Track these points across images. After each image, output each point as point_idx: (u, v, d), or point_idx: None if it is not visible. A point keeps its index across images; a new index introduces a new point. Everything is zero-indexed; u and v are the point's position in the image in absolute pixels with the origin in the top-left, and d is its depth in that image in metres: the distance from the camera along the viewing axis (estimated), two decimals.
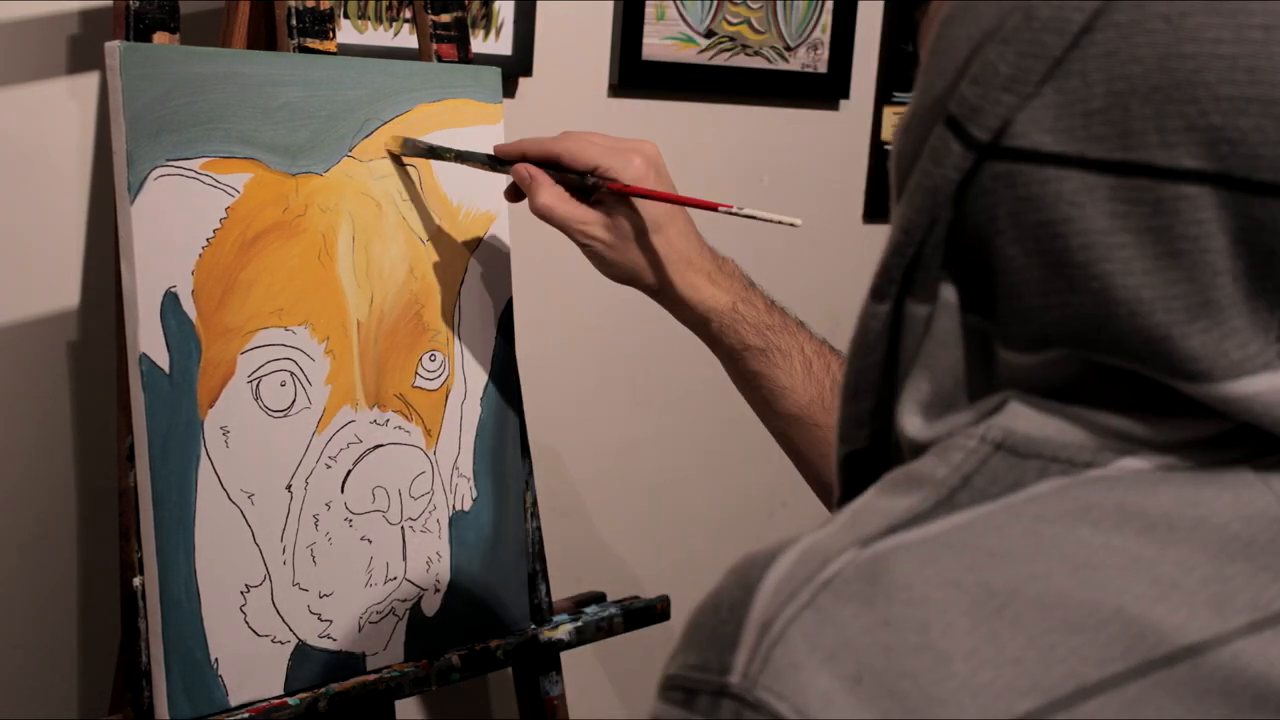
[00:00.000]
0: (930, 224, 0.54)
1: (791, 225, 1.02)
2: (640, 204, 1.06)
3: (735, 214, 1.03)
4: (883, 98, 1.83)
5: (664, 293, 1.08)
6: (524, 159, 1.08)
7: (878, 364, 0.57)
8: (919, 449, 0.55)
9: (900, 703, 0.47)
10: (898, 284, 0.56)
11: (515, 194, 1.12)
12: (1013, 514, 0.51)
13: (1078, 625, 0.48)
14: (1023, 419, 0.53)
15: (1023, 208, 0.52)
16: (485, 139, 1.20)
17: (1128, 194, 0.50)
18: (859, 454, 0.59)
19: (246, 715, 1.04)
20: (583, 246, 1.08)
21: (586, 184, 1.06)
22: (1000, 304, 0.54)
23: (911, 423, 0.56)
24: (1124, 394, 0.53)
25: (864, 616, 0.48)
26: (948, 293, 0.55)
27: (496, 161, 1.11)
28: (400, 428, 1.15)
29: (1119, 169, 0.50)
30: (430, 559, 1.17)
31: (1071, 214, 0.51)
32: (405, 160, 1.16)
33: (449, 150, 1.14)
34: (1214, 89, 0.49)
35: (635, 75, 1.60)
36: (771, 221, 1.02)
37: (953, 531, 0.51)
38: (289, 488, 1.09)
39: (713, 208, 1.05)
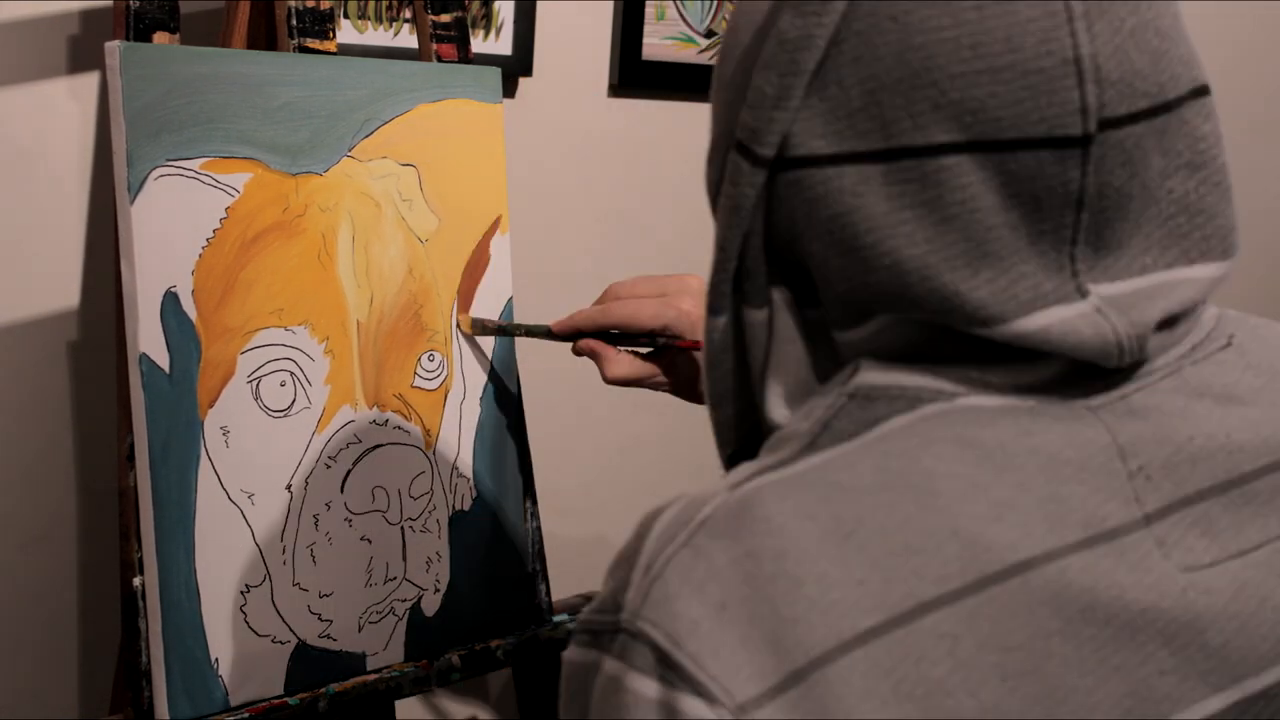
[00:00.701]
0: (743, 238, 0.60)
1: None
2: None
3: None
4: None
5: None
6: (580, 333, 1.11)
7: (729, 372, 0.63)
8: None
9: (758, 626, 0.52)
10: (728, 296, 0.62)
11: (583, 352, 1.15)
12: (865, 451, 0.57)
13: (917, 547, 0.54)
14: (873, 373, 0.59)
15: (813, 207, 0.58)
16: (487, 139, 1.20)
17: (898, 176, 0.56)
18: (739, 454, 0.65)
19: (246, 715, 1.04)
20: (666, 392, 1.12)
21: (656, 345, 1.10)
22: (821, 293, 0.60)
23: (779, 413, 0.61)
24: (960, 348, 0.58)
25: (730, 550, 0.54)
26: (779, 295, 0.62)
27: (559, 338, 1.14)
28: (400, 428, 1.15)
29: (885, 156, 0.56)
30: (430, 559, 1.17)
31: (854, 203, 0.57)
32: (403, 163, 1.16)
33: (518, 326, 1.18)
34: (946, 69, 0.55)
35: (635, 75, 1.60)
36: None
37: (810, 470, 0.56)
38: (289, 488, 1.09)
39: None
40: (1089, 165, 0.55)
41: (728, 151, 0.61)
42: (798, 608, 0.52)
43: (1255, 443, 0.59)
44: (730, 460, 0.66)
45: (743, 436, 0.65)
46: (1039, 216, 0.56)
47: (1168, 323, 0.60)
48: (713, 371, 0.64)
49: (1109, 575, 0.55)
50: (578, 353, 1.12)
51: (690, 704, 0.52)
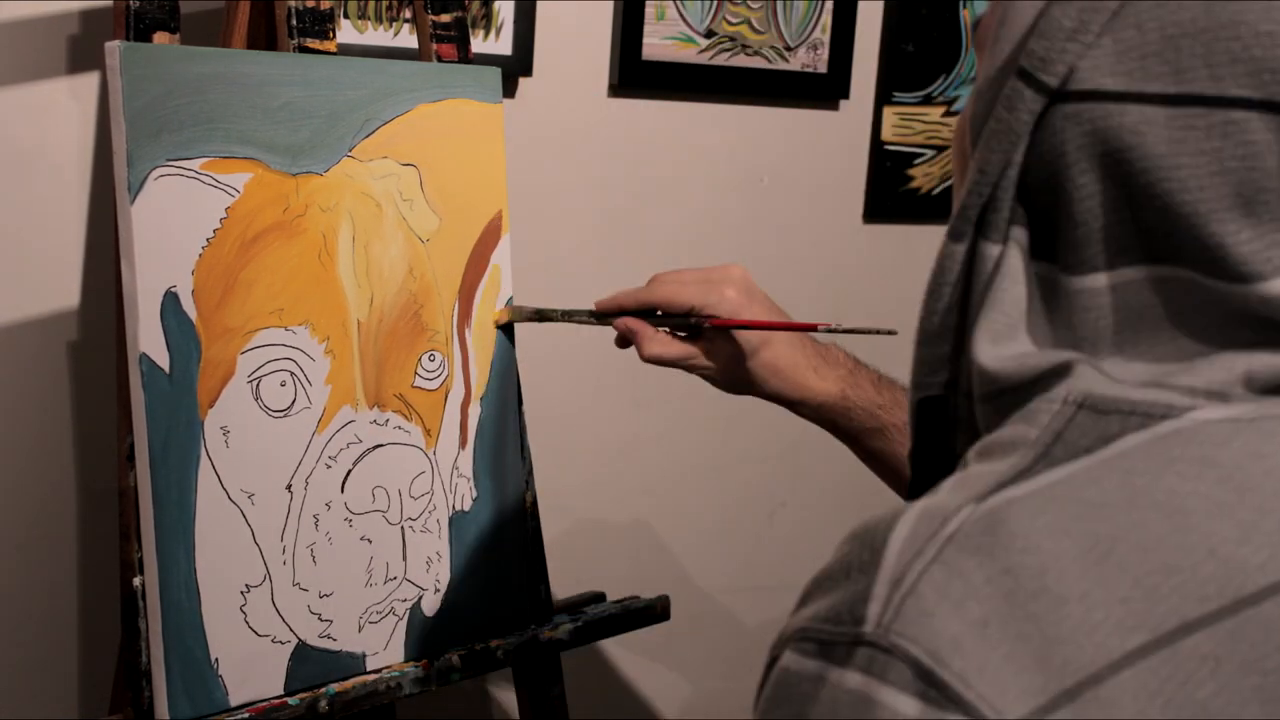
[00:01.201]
0: (1004, 165, 0.61)
1: (890, 334, 1.10)
2: (746, 332, 1.13)
3: (834, 330, 1.12)
4: (883, 98, 1.83)
5: (777, 397, 1.16)
6: (623, 311, 1.16)
7: (954, 306, 0.63)
8: (988, 378, 0.60)
9: (1024, 643, 0.51)
10: (973, 223, 0.62)
11: (624, 342, 1.18)
12: (1106, 468, 0.55)
13: (1175, 567, 0.52)
14: (1096, 382, 0.58)
15: (1090, 140, 0.58)
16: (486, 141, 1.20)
17: (1183, 121, 0.57)
18: (931, 403, 0.65)
19: (246, 715, 1.04)
20: (699, 375, 1.15)
21: (689, 324, 1.13)
22: (1071, 233, 0.60)
23: (983, 350, 0.61)
24: (1196, 321, 0.58)
25: (986, 567, 0.52)
26: (1018, 234, 0.62)
27: (599, 316, 1.18)
28: (400, 428, 1.15)
29: (1173, 100, 0.57)
30: (430, 559, 1.17)
31: (1134, 141, 0.57)
32: (404, 162, 1.16)
33: (556, 311, 1.20)
34: (1254, 26, 0.55)
35: (635, 75, 1.60)
36: (869, 332, 1.11)
37: (1056, 485, 0.55)
38: (289, 488, 1.09)
39: (811, 328, 1.12)
40: None
41: (1005, 81, 0.61)
42: (1064, 627, 0.51)
43: None
44: (919, 407, 0.65)
45: (944, 384, 0.64)
46: None
47: None
48: (936, 302, 0.63)
49: None
50: (619, 329, 1.15)
51: None
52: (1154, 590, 0.52)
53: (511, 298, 1.24)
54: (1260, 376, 0.57)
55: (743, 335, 1.13)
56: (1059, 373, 0.59)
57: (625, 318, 1.15)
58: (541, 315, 1.21)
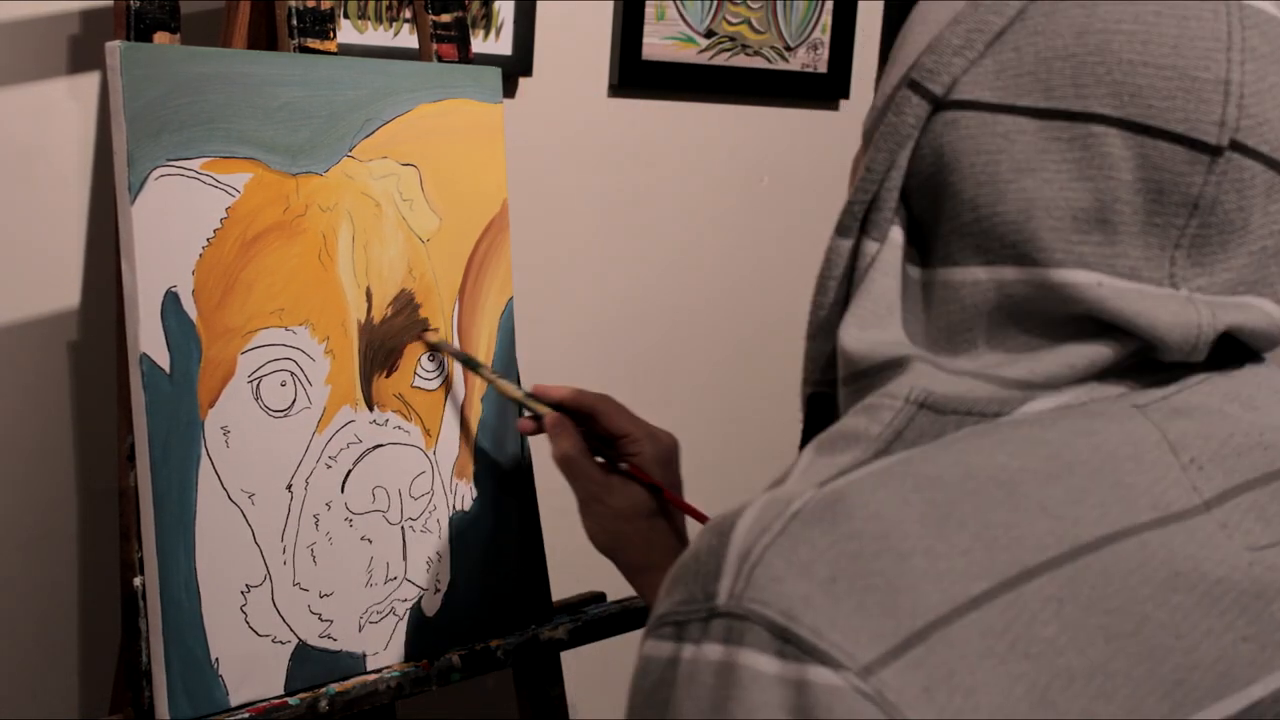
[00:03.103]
0: (889, 166, 0.66)
1: None
2: (652, 493, 1.06)
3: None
4: None
5: (632, 576, 1.07)
6: (560, 406, 1.09)
7: (836, 303, 0.67)
8: (847, 360, 0.64)
9: (872, 594, 0.54)
10: (859, 220, 0.67)
11: (532, 428, 1.12)
12: (943, 451, 0.60)
13: (1012, 523, 0.57)
14: (936, 380, 0.62)
15: (967, 146, 0.65)
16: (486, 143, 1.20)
17: (1049, 132, 0.63)
18: (819, 398, 0.69)
19: (246, 715, 1.04)
20: (583, 502, 1.07)
21: (617, 457, 1.06)
22: (938, 228, 0.66)
23: (848, 333, 0.65)
24: (1033, 321, 0.63)
25: (830, 534, 0.55)
26: (895, 233, 0.66)
27: (531, 398, 1.10)
28: (400, 428, 1.15)
29: (1042, 114, 0.63)
30: (430, 559, 1.17)
31: (1004, 145, 0.64)
32: (404, 162, 1.16)
33: (486, 368, 1.15)
34: (1117, 54, 0.62)
35: (635, 75, 1.60)
36: None
37: (894, 465, 0.59)
38: (289, 488, 1.09)
39: (703, 519, 1.04)
40: (1212, 175, 0.62)
41: (898, 91, 0.66)
42: (909, 578, 0.54)
43: None
44: (809, 403, 0.69)
45: (829, 379, 0.68)
46: (1158, 207, 0.62)
47: (1235, 343, 0.65)
48: (822, 298, 0.67)
49: (1184, 549, 0.59)
50: (547, 422, 1.08)
51: (815, 672, 0.53)
52: (994, 542, 0.56)
53: (511, 300, 1.24)
54: (1090, 366, 0.62)
55: (643, 496, 1.06)
56: (899, 365, 0.63)
57: (557, 414, 1.08)
58: (469, 363, 1.16)
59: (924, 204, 0.66)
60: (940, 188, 0.66)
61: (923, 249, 0.67)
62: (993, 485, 0.58)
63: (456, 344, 1.20)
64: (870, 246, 0.66)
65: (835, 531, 0.55)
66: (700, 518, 1.05)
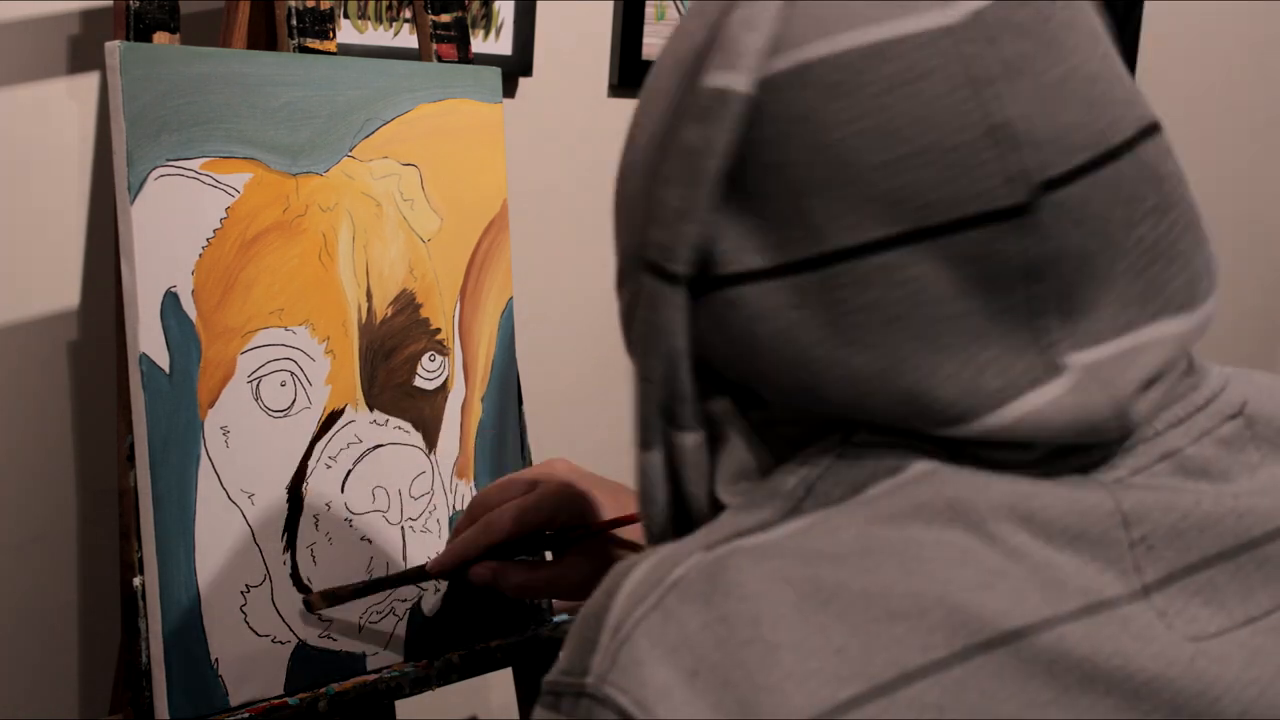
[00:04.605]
0: (669, 362, 0.57)
1: None
2: (596, 540, 0.99)
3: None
4: None
5: None
6: (466, 562, 1.02)
7: (668, 504, 0.60)
8: None
9: (731, 692, 0.50)
10: (660, 429, 0.59)
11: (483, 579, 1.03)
12: (848, 516, 0.54)
13: (900, 614, 0.51)
14: (866, 434, 0.56)
15: (755, 325, 0.55)
16: (485, 140, 1.20)
17: (837, 280, 0.53)
18: None
19: (246, 715, 1.04)
20: (563, 599, 1.01)
21: (564, 541, 0.99)
22: (772, 409, 0.57)
23: (735, 502, 0.58)
24: (936, 448, 0.55)
25: (703, 614, 0.51)
26: (718, 407, 0.58)
27: (443, 576, 1.05)
28: (400, 428, 1.15)
29: (821, 262, 0.53)
30: (430, 559, 1.17)
31: (796, 316, 0.54)
32: (404, 162, 1.16)
33: (380, 581, 1.09)
34: (866, 161, 0.52)
35: (635, 75, 1.60)
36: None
37: (791, 535, 0.54)
38: (289, 488, 1.09)
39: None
40: (1034, 233, 0.53)
41: (639, 275, 0.57)
42: (773, 675, 0.50)
43: (1264, 506, 0.57)
44: None
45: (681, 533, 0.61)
46: (995, 296, 0.53)
47: (1153, 381, 0.57)
48: (650, 508, 0.60)
49: (1112, 642, 0.52)
50: (475, 580, 1.02)
51: None
52: (874, 638, 0.51)
53: (511, 300, 1.24)
54: (1013, 463, 0.55)
55: (594, 543, 0.99)
56: (835, 440, 0.56)
57: (477, 566, 1.01)
58: (359, 592, 1.09)
59: (737, 375, 0.57)
60: (752, 374, 0.57)
61: (758, 400, 0.58)
62: (893, 564, 0.52)
63: (458, 344, 1.20)
64: (689, 440, 0.58)
65: (708, 612, 0.51)
66: (627, 521, 0.98)
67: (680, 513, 0.60)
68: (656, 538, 0.61)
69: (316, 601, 1.08)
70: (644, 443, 0.59)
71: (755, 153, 0.54)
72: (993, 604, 0.51)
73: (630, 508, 0.99)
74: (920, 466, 0.55)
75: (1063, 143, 0.53)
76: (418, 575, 1.08)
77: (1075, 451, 0.55)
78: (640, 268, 0.57)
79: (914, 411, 0.54)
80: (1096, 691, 0.51)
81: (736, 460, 0.59)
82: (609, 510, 0.98)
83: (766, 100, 0.54)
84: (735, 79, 0.54)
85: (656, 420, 0.59)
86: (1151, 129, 0.57)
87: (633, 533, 0.99)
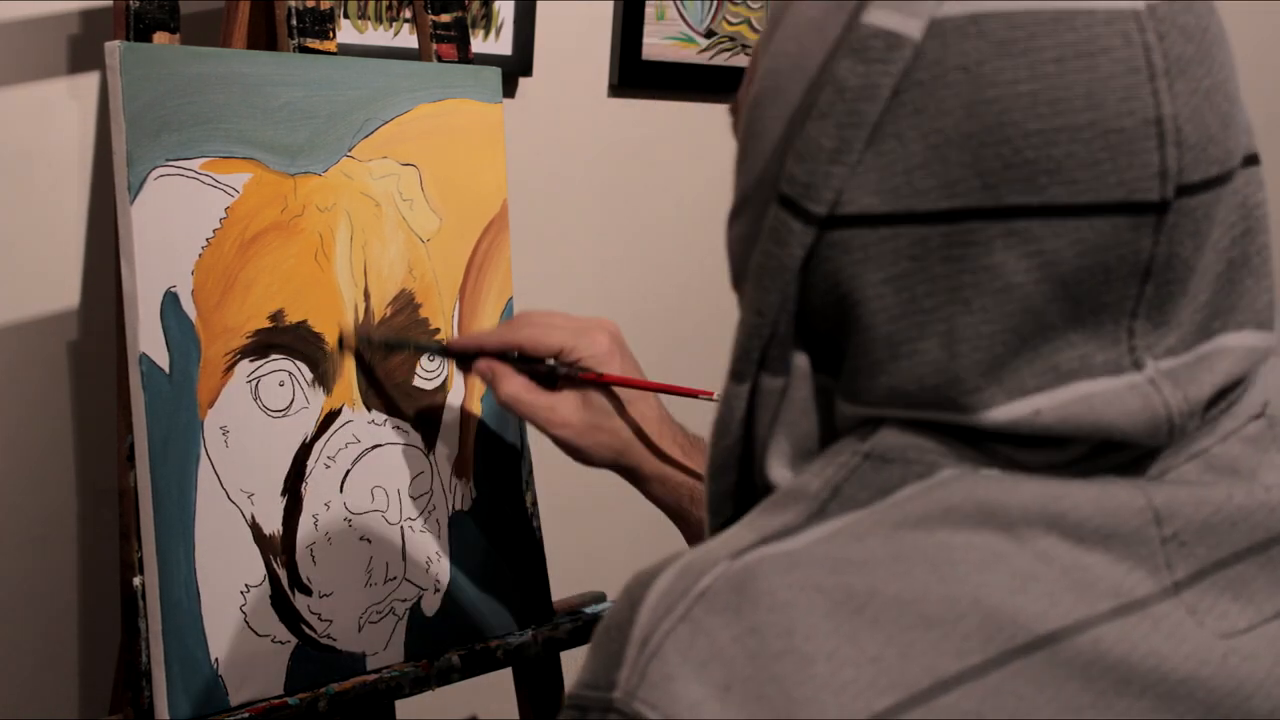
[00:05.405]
0: (781, 301, 0.56)
1: None
2: (608, 391, 1.00)
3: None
4: None
5: (639, 471, 1.02)
6: (482, 351, 1.02)
7: (737, 441, 0.59)
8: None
9: (766, 706, 0.49)
10: (756, 364, 0.58)
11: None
12: (876, 520, 0.53)
13: (935, 620, 0.50)
14: (893, 434, 0.55)
15: (864, 269, 0.54)
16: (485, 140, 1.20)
17: (961, 238, 0.52)
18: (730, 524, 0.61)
19: (246, 715, 1.04)
20: (554, 438, 1.01)
21: (558, 372, 0.99)
22: (848, 362, 0.56)
23: (779, 474, 0.58)
24: (987, 440, 0.55)
25: (733, 626, 0.50)
26: (800, 360, 0.58)
27: (455, 356, 1.05)
28: (400, 428, 1.15)
29: (947, 217, 0.52)
30: (430, 559, 1.17)
31: (911, 267, 0.53)
32: (404, 162, 1.16)
33: (409, 341, 1.10)
34: (1022, 125, 0.51)
35: (635, 75, 1.60)
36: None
37: (818, 541, 0.53)
38: (289, 488, 1.09)
39: (694, 394, 0.99)
40: (1162, 234, 0.52)
41: (766, 206, 0.56)
42: (808, 688, 0.49)
43: None
44: (717, 532, 0.62)
45: (740, 509, 0.61)
46: (1105, 289, 0.53)
47: (1218, 397, 0.57)
48: (720, 440, 0.60)
49: (1145, 643, 0.52)
50: (477, 371, 1.02)
51: None
52: (909, 646, 0.50)
53: (511, 300, 1.24)
54: (1044, 464, 0.54)
55: (606, 393, 0.99)
56: (861, 434, 0.56)
57: (483, 359, 1.01)
58: (390, 346, 1.11)
59: (828, 326, 0.57)
60: (846, 321, 0.56)
61: (835, 362, 0.58)
62: (925, 569, 0.51)
63: None
64: (773, 383, 0.58)
65: (738, 624, 0.50)
66: (659, 388, 0.99)
67: (745, 451, 0.60)
68: (717, 468, 0.60)
69: (348, 339, 1.10)
70: (738, 374, 0.58)
71: (904, 97, 0.52)
72: (1027, 608, 0.51)
73: (649, 398, 1.00)
74: (948, 472, 0.54)
75: (1204, 152, 0.53)
76: (438, 349, 1.12)
77: (1109, 453, 0.55)
78: (771, 199, 0.55)
79: (995, 383, 0.53)
80: (1132, 693, 0.51)
81: (793, 428, 0.58)
82: (630, 378, 0.99)
83: (929, 44, 0.52)
84: (905, 23, 0.52)
85: (758, 355, 0.58)
86: (1253, 158, 0.58)
87: (645, 404, 0.99)
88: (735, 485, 0.61)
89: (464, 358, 1.05)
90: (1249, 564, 0.55)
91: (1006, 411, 0.53)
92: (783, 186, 0.55)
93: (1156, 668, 0.52)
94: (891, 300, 0.54)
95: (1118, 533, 0.53)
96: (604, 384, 0.99)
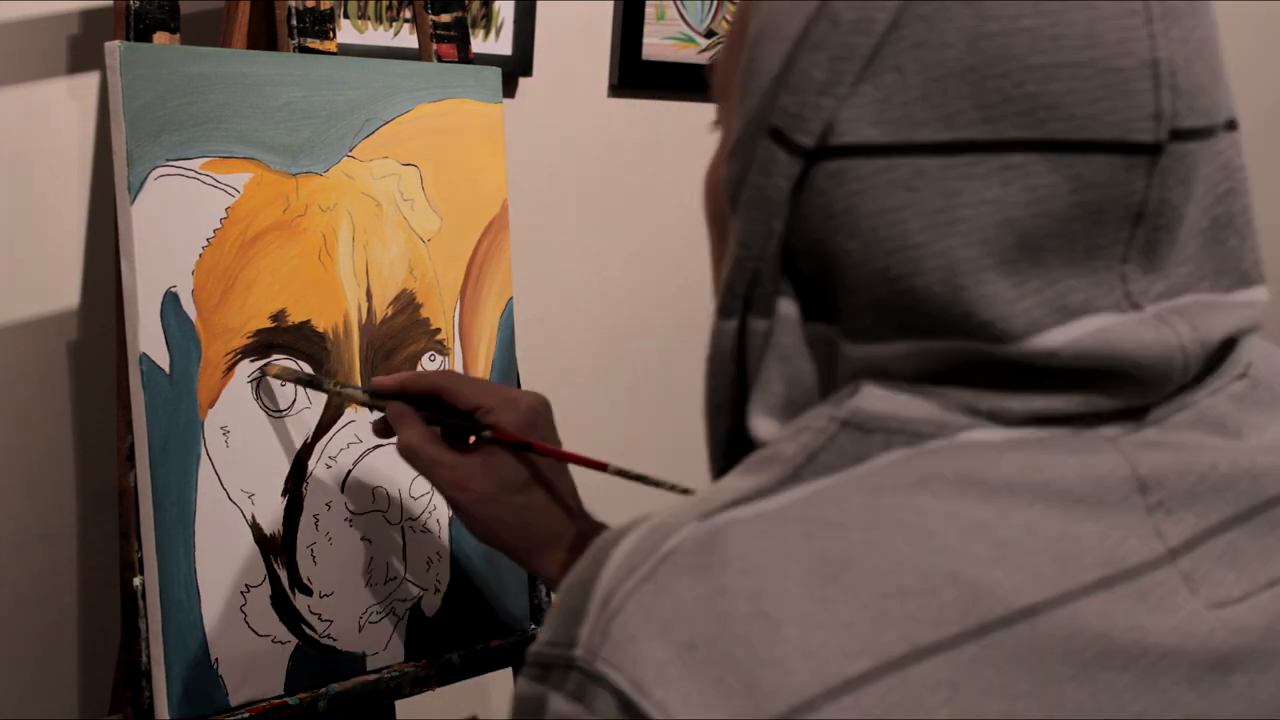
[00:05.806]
0: (766, 236, 0.56)
1: (685, 492, 0.92)
2: (522, 460, 0.94)
3: (624, 475, 0.95)
4: None
5: (526, 562, 0.96)
6: (402, 393, 0.96)
7: (732, 383, 0.59)
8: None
9: (732, 667, 0.48)
10: (742, 299, 0.57)
11: (385, 429, 0.99)
12: (853, 486, 0.52)
13: (912, 589, 0.49)
14: (873, 398, 0.54)
15: (859, 201, 0.53)
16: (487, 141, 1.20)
17: (960, 171, 0.52)
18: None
19: (246, 715, 1.04)
20: (448, 498, 0.94)
21: (473, 429, 0.94)
22: (847, 302, 0.55)
23: (763, 426, 0.57)
24: (974, 377, 0.54)
25: (699, 587, 0.49)
26: (786, 307, 0.57)
27: (375, 397, 0.98)
28: None
29: (947, 149, 0.52)
30: (430, 559, 1.17)
31: (908, 199, 0.53)
32: (404, 162, 1.15)
33: (329, 381, 1.06)
34: (1023, 60, 0.51)
35: (635, 75, 1.60)
36: (660, 485, 0.94)
37: (791, 505, 0.52)
38: (289, 488, 1.09)
39: (601, 467, 0.94)
40: (1154, 176, 0.53)
41: (757, 139, 0.56)
42: (777, 650, 0.48)
43: (1277, 466, 0.57)
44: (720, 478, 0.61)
45: (735, 455, 0.60)
46: (1099, 229, 0.53)
47: (1234, 341, 0.57)
48: (714, 381, 0.60)
49: (1129, 617, 0.51)
50: (390, 415, 0.96)
51: None
52: (884, 614, 0.49)
53: (511, 300, 1.24)
54: (1054, 412, 0.54)
55: (518, 464, 0.93)
56: (842, 399, 0.55)
57: (398, 403, 0.95)
58: (312, 383, 1.06)
59: (817, 267, 0.56)
60: (839, 255, 0.55)
61: (827, 308, 0.57)
62: (902, 536, 0.50)
63: (457, 344, 1.20)
64: (759, 325, 0.58)
65: (705, 585, 0.49)
66: (582, 461, 0.94)
67: (739, 394, 0.59)
68: (713, 410, 0.60)
69: (274, 369, 1.05)
70: (725, 309, 0.58)
71: (904, 30, 0.52)
72: (1006, 580, 0.50)
73: (568, 480, 0.96)
74: (931, 443, 0.54)
75: (1195, 100, 0.53)
76: (363, 393, 1.02)
77: (1103, 409, 0.54)
78: (763, 133, 0.55)
79: (1004, 311, 0.53)
80: (1114, 666, 0.50)
81: (779, 377, 0.57)
82: (547, 449, 0.94)
83: None
84: None
85: (743, 290, 0.57)
86: (1234, 124, 0.58)
87: (560, 478, 0.95)
88: (731, 431, 0.60)
89: (384, 397, 0.98)
90: (1238, 532, 0.55)
91: (1025, 344, 0.53)
92: (773, 119, 0.55)
93: (1138, 642, 0.51)
94: (888, 235, 0.53)
95: (1104, 501, 0.53)
96: (514, 447, 0.93)
